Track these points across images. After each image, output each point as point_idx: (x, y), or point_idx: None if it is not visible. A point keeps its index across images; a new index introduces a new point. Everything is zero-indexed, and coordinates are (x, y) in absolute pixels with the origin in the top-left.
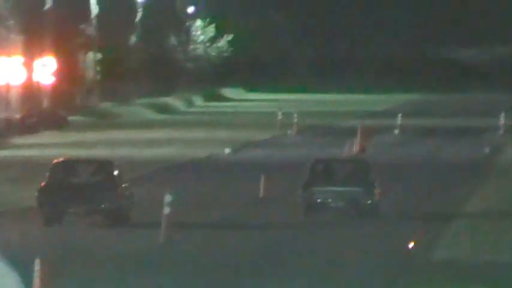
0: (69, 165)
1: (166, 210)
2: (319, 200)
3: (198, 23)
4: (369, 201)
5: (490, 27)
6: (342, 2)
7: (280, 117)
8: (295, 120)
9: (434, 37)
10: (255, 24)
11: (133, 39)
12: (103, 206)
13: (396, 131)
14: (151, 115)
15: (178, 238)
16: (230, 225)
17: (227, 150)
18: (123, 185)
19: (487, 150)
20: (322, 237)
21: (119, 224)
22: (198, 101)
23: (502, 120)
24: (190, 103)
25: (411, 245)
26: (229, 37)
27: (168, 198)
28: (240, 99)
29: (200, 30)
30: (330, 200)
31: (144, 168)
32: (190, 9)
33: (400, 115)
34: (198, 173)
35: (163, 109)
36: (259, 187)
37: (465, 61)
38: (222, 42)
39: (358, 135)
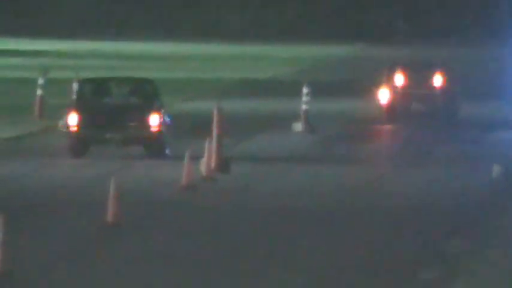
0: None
1: None
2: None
3: None
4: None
5: None
6: None
7: (41, 91)
8: (75, 96)
9: None
10: None
11: None
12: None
13: (298, 126)
14: None
15: None
16: None
17: None
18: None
19: (495, 173)
20: None
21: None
22: None
23: None
24: None
25: None
26: None
27: None
28: None
29: None
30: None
31: None
32: None
33: (305, 89)
34: None
35: None
36: None
37: None
38: None
39: (214, 132)
